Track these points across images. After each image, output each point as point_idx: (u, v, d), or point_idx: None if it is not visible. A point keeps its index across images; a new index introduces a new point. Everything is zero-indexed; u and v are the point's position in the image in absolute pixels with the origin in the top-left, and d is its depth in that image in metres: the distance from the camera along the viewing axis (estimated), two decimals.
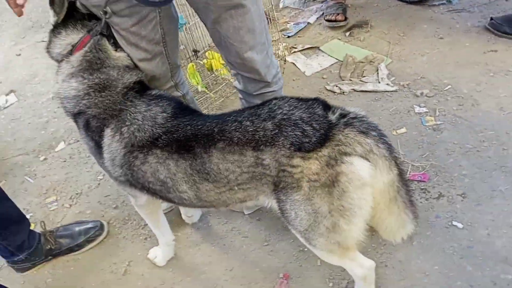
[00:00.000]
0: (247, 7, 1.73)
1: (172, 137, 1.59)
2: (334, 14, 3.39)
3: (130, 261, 2.32)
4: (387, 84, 2.86)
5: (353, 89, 2.90)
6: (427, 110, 2.66)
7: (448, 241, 2.07)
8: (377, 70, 2.98)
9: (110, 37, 1.76)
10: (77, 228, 2.40)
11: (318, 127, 1.43)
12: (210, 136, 1.53)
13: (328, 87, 2.95)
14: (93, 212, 2.59)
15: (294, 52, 3.29)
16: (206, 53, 3.02)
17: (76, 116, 1.75)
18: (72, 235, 2.38)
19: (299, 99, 1.54)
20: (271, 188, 1.52)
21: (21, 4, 1.61)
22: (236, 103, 2.98)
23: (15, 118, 3.39)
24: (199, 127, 1.57)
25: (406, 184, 1.60)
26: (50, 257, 2.37)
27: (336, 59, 3.16)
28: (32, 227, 2.36)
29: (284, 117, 1.47)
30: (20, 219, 2.25)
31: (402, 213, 1.60)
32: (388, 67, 2.99)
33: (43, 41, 4.13)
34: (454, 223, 2.12)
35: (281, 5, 3.86)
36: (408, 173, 2.33)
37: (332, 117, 1.46)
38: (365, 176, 1.41)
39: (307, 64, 3.15)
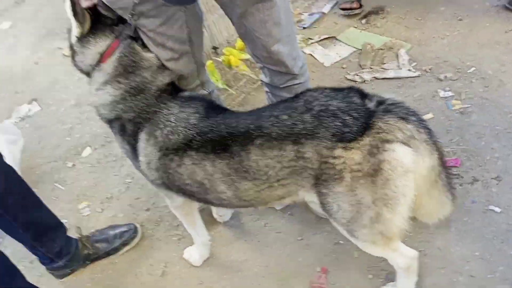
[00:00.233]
0: (274, 0, 1.72)
1: (207, 137, 1.58)
2: (348, 2, 3.37)
3: (166, 262, 2.34)
4: (409, 70, 2.84)
5: (374, 77, 2.88)
6: (453, 94, 2.63)
7: (486, 226, 2.04)
8: (397, 56, 2.95)
9: (138, 38, 1.75)
10: (112, 232, 2.43)
11: (357, 116, 1.41)
12: (247, 133, 1.52)
13: (348, 77, 2.94)
14: (125, 215, 2.62)
15: (311, 43, 3.28)
16: (224, 50, 3.01)
17: (112, 121, 1.76)
18: (108, 239, 2.41)
19: (334, 89, 1.52)
20: (312, 182, 1.51)
21: None
22: (257, 99, 2.99)
23: (40, 126, 3.43)
24: (234, 125, 1.56)
25: (446, 167, 1.58)
26: (88, 262, 2.40)
27: (355, 47, 3.14)
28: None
29: (322, 108, 1.45)
30: (57, 226, 2.29)
31: (443, 196, 1.58)
32: (409, 53, 2.96)
33: (59, 48, 4.17)
34: (491, 207, 2.10)
35: None
36: None
37: (370, 105, 1.44)
38: (408, 163, 1.39)
39: (325, 55, 3.14)
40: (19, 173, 2.23)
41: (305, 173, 1.50)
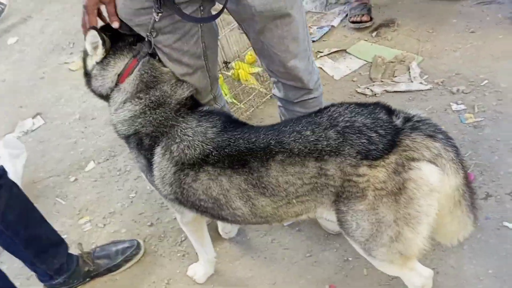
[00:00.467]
0: (292, 16, 1.68)
1: (224, 152, 1.54)
2: (359, 15, 3.32)
3: (169, 279, 2.26)
4: (421, 83, 2.78)
5: (385, 90, 2.82)
6: (465, 107, 2.56)
7: (501, 243, 1.97)
8: (409, 69, 2.89)
9: (155, 54, 1.73)
10: (114, 248, 2.36)
11: (384, 133, 1.37)
12: (267, 149, 1.48)
13: (359, 90, 2.88)
14: (128, 230, 2.55)
15: (321, 56, 3.23)
16: (233, 64, 2.98)
17: (129, 137, 1.72)
18: (110, 256, 2.33)
19: (359, 104, 1.48)
20: (332, 199, 1.47)
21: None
22: (266, 113, 2.93)
23: (43, 140, 3.38)
24: (253, 140, 1.52)
25: (470, 186, 1.52)
26: (88, 279, 2.32)
27: (365, 60, 3.08)
28: None
29: (347, 124, 1.41)
30: (59, 242, 2.22)
31: (465, 216, 1.52)
32: (420, 65, 2.90)
33: (65, 62, 4.15)
34: (505, 223, 2.03)
35: None
36: None
37: (397, 122, 1.40)
38: (434, 182, 1.35)
39: (335, 68, 3.08)
40: (21, 187, 2.18)
41: (326, 190, 1.45)
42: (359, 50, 3.17)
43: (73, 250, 2.38)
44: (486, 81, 2.66)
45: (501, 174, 2.20)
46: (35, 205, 2.17)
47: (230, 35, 2.87)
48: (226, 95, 2.82)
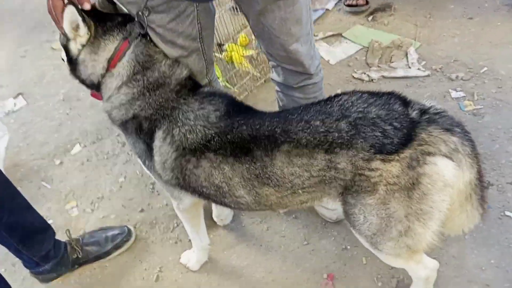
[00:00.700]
0: None
1: (226, 139, 1.45)
2: None
3: (161, 266, 2.19)
4: (418, 69, 2.73)
5: (382, 76, 2.76)
6: (464, 95, 2.53)
7: (502, 232, 1.96)
8: (406, 54, 2.85)
9: (146, 35, 1.60)
10: (103, 235, 2.27)
11: (399, 126, 1.29)
12: (272, 138, 1.39)
13: (355, 75, 2.82)
14: (117, 216, 2.45)
15: (316, 40, 3.14)
16: (226, 46, 2.88)
17: (127, 122, 1.61)
18: (99, 242, 2.24)
19: (372, 94, 1.39)
20: (340, 191, 1.40)
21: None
22: (259, 97, 2.86)
23: (26, 122, 3.24)
24: (257, 127, 1.43)
25: (482, 181, 1.46)
26: (76, 266, 2.24)
27: (361, 45, 3.02)
28: None
29: (360, 115, 1.32)
30: (44, 228, 2.11)
31: (474, 210, 1.47)
32: (418, 51, 2.85)
33: (47, 41, 4.00)
34: (507, 213, 2.01)
35: None
36: None
37: (413, 114, 1.32)
38: (449, 177, 1.29)
39: (330, 52, 3.01)
40: (3, 170, 2.06)
41: (335, 183, 1.38)
42: (355, 35, 3.10)
43: (60, 236, 2.28)
44: (485, 68, 2.63)
45: (502, 163, 2.17)
46: (19, 189, 2.06)
47: (223, 15, 2.76)
48: (219, 78, 2.72)
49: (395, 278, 1.93)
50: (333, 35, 3.17)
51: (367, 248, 1.58)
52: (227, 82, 2.82)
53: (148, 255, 2.25)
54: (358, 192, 1.35)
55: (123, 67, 1.56)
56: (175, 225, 2.33)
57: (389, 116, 1.31)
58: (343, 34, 3.14)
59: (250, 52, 2.95)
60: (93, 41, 1.55)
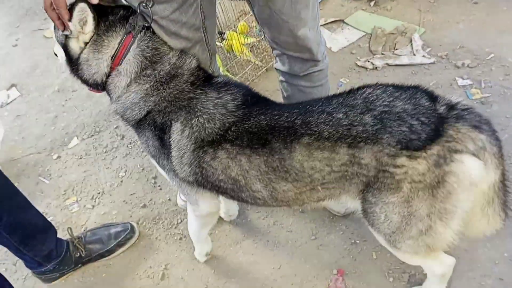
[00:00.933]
0: None
1: (243, 128, 1.40)
2: None
3: (166, 263, 2.15)
4: (423, 56, 2.67)
5: (386, 64, 2.70)
6: (471, 82, 2.48)
7: None
8: (411, 41, 2.78)
9: (150, 27, 1.53)
10: (106, 232, 2.22)
11: (427, 121, 1.25)
12: (291, 129, 1.34)
13: (359, 63, 2.76)
14: (119, 212, 2.40)
15: None
16: (226, 35, 2.80)
17: (141, 120, 1.54)
18: (102, 240, 2.19)
19: (397, 87, 1.34)
20: (360, 188, 1.35)
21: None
22: (261, 86, 2.79)
23: (21, 115, 3.16)
24: (276, 117, 1.38)
25: (505, 184, 1.43)
26: (79, 265, 2.19)
27: (364, 32, 2.95)
28: None
29: (386, 109, 1.28)
30: (46, 227, 2.06)
31: (496, 214, 1.43)
32: (422, 37, 2.79)
33: (40, 29, 3.88)
34: None
35: None
36: None
37: (441, 109, 1.27)
38: (475, 176, 1.25)
39: (332, 39, 2.94)
40: None
41: (356, 180, 1.33)
42: (357, 21, 3.03)
43: (61, 233, 2.24)
44: (492, 55, 2.57)
45: (511, 153, 2.13)
46: (16, 184, 1.99)
47: (223, 2, 2.68)
48: (219, 67, 2.65)
49: (406, 273, 1.90)
50: (334, 21, 3.09)
51: (382, 244, 1.55)
52: (228, 71, 2.75)
53: (152, 252, 2.20)
54: (380, 189, 1.31)
55: (130, 64, 1.49)
56: (179, 220, 2.28)
57: (416, 111, 1.26)
58: (345, 20, 3.06)
59: (251, 40, 2.88)
60: (96, 39, 1.48)
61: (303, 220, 2.17)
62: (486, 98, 2.38)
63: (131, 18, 1.50)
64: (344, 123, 1.29)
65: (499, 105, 2.33)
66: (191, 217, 1.90)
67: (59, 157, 2.79)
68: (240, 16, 2.89)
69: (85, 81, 1.57)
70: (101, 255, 2.19)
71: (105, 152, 2.73)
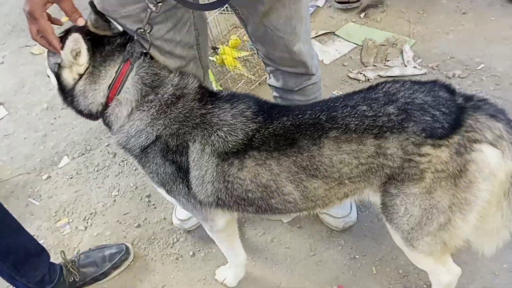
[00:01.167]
0: None
1: (268, 132, 1.40)
2: None
3: (163, 285, 2.11)
4: (415, 67, 2.69)
5: (378, 75, 2.72)
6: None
7: None
8: (401, 52, 2.79)
9: (147, 52, 1.50)
10: (100, 254, 2.17)
11: (447, 111, 1.28)
12: (317, 125, 1.35)
13: (351, 75, 2.76)
14: (113, 233, 2.35)
15: None
16: (220, 50, 2.79)
17: (147, 148, 1.49)
18: (96, 263, 2.14)
19: (415, 82, 1.38)
20: (383, 180, 1.37)
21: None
22: None
23: (8, 134, 3.10)
24: (299, 116, 1.38)
25: None
26: None
27: (355, 43, 2.96)
28: None
29: (408, 100, 1.31)
30: (38, 251, 2.00)
31: (510, 211, 1.40)
32: (413, 49, 2.81)
33: (26, 45, 3.83)
34: None
35: None
36: None
37: (459, 100, 1.31)
38: (495, 165, 1.27)
39: (324, 52, 2.94)
40: None
41: (381, 172, 1.35)
42: (348, 33, 3.03)
43: (53, 257, 2.18)
44: (482, 65, 2.59)
45: None
46: (5, 206, 1.94)
47: (216, 17, 2.67)
48: (212, 82, 2.63)
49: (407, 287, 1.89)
50: (325, 34, 3.09)
51: (398, 244, 1.55)
52: (220, 86, 2.73)
53: (148, 273, 2.16)
54: (403, 180, 1.33)
55: (129, 92, 1.45)
56: (175, 240, 2.24)
57: (436, 102, 1.30)
58: (335, 32, 3.07)
59: (244, 53, 2.87)
60: (92, 70, 1.44)
61: (301, 236, 2.15)
62: None
63: (128, 45, 1.46)
64: (369, 114, 1.32)
65: None
66: (214, 237, 1.86)
67: (49, 177, 2.73)
68: (231, 29, 2.88)
69: (79, 112, 1.53)
70: (96, 279, 2.14)
71: (97, 171, 2.68)
